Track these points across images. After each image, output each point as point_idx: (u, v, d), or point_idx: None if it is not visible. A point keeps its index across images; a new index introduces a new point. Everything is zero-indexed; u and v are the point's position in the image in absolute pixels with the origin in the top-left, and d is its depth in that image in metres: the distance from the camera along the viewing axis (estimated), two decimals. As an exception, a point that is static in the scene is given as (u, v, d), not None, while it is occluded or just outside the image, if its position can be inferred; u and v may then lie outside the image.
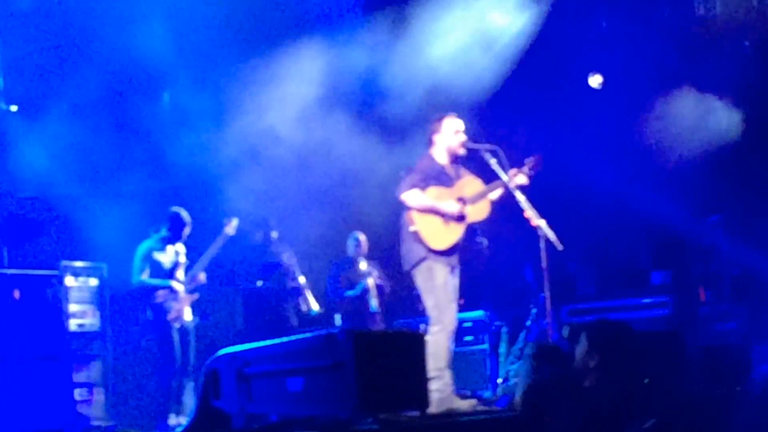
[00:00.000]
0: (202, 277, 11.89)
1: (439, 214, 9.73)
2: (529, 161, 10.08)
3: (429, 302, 9.75)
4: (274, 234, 13.13)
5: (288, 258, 13.16)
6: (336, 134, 13.36)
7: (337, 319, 13.46)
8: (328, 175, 13.75)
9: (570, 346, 7.65)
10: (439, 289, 9.72)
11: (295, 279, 13.20)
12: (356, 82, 13.68)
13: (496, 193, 10.00)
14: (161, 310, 11.63)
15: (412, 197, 9.75)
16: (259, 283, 13.61)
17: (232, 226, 12.09)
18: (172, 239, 11.82)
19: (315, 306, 13.20)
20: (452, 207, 9.76)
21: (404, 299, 13.01)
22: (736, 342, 12.33)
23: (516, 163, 10.03)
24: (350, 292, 13.52)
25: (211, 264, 12.07)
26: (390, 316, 13.60)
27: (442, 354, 9.53)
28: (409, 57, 13.37)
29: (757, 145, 14.00)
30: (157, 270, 11.68)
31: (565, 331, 7.78)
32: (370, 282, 13.50)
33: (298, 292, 13.23)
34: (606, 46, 14.69)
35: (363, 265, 13.68)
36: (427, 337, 9.31)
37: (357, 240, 13.73)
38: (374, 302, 13.44)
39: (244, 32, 13.12)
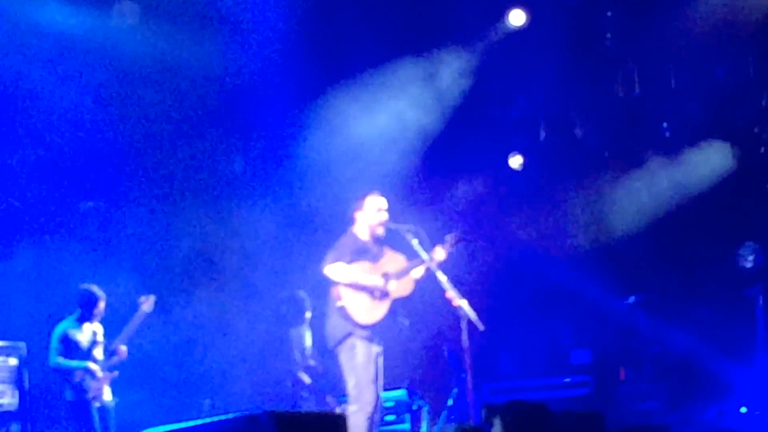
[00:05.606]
0: (123, 349, 11.65)
1: (365, 289, 9.75)
2: (449, 237, 10.17)
3: (350, 381, 9.76)
4: (308, 314, 12.73)
5: (308, 340, 12.73)
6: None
7: None
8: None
9: (488, 428, 7.63)
10: (360, 368, 9.72)
11: (311, 359, 12.75)
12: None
13: (419, 271, 10.05)
14: (80, 390, 11.45)
15: (336, 271, 9.77)
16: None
17: (149, 303, 11.92)
18: (88, 317, 11.62)
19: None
20: (377, 281, 9.81)
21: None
22: (657, 421, 12.40)
23: (437, 241, 10.11)
24: None
25: None
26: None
27: (359, 435, 9.50)
28: (330, 136, 13.47)
29: (676, 226, 14.18)
30: (75, 350, 11.45)
31: (483, 414, 7.77)
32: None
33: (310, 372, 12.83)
34: (526, 127, 14.86)
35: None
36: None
37: None
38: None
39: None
